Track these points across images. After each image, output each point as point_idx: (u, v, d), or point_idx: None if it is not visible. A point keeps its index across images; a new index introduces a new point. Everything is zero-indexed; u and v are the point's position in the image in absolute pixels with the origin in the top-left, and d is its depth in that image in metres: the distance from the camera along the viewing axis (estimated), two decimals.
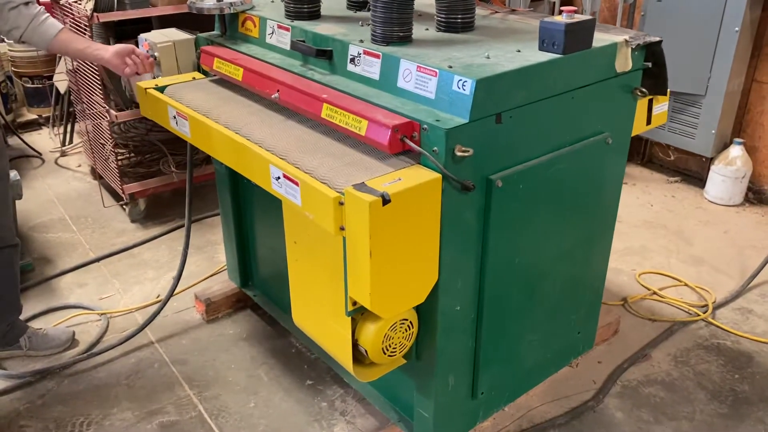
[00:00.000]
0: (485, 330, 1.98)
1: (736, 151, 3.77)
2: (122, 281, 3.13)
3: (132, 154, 3.70)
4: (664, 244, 3.47)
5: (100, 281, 3.13)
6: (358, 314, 1.81)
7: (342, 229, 1.61)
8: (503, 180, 1.77)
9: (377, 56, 1.86)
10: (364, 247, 1.55)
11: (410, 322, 1.85)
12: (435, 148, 1.63)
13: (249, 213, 2.69)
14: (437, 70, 1.70)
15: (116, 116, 3.31)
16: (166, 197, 3.84)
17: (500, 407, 2.25)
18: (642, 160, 4.37)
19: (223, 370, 2.58)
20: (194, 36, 2.47)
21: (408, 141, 1.66)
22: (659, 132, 4.02)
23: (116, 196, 3.82)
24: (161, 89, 2.30)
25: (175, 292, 2.75)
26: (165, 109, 2.21)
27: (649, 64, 2.07)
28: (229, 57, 2.21)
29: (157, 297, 3.00)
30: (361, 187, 1.56)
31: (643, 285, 3.10)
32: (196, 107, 2.14)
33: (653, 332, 2.79)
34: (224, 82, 2.32)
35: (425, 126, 1.64)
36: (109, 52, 2.29)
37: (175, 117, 2.17)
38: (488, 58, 1.78)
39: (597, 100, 1.97)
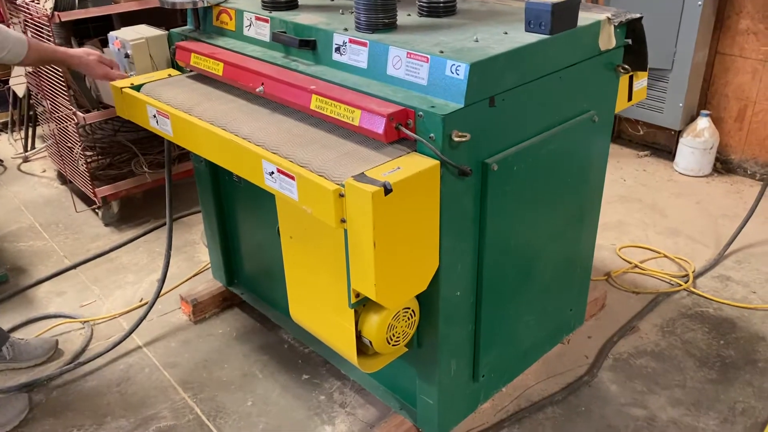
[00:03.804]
0: (484, 313, 1.99)
1: (703, 123, 3.85)
2: (102, 287, 3.06)
3: (100, 156, 3.60)
4: (641, 217, 3.54)
5: (79, 288, 3.05)
6: (360, 306, 1.79)
7: (343, 221, 1.59)
8: (498, 163, 1.77)
9: (364, 44, 1.84)
10: (368, 238, 1.54)
11: (412, 311, 1.84)
12: (431, 135, 1.62)
13: (231, 210, 2.64)
14: (428, 56, 1.68)
15: (84, 118, 3.22)
16: (139, 198, 3.76)
17: (499, 388, 2.27)
18: (611, 136, 4.43)
19: (217, 371, 2.54)
20: (167, 32, 2.40)
21: (403, 129, 1.65)
22: (628, 108, 4.07)
23: (86, 200, 3.72)
24: (137, 88, 2.23)
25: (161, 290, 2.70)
26: (143, 108, 2.15)
27: (630, 41, 2.09)
28: (207, 52, 2.16)
29: (141, 300, 2.94)
30: (361, 177, 1.54)
31: (624, 259, 3.16)
32: (177, 105, 2.09)
33: (638, 304, 2.85)
34: (202, 77, 2.27)
35: (420, 113, 1.63)
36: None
37: (155, 116, 2.12)
38: (477, 41, 1.77)
39: (583, 78, 1.98)
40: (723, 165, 4.00)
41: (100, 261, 3.24)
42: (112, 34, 2.42)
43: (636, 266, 3.10)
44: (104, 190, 3.42)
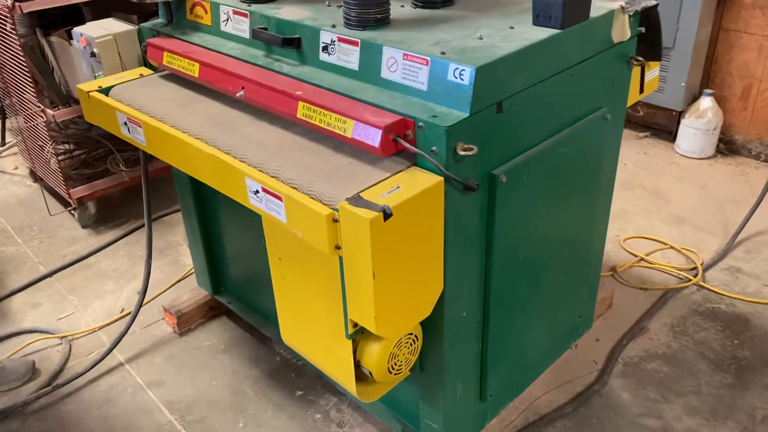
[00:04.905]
0: (492, 331, 1.84)
1: (706, 102, 3.69)
2: (80, 297, 2.88)
3: (74, 154, 3.39)
4: (644, 204, 3.39)
5: (56, 299, 2.87)
6: (359, 334, 1.64)
7: (338, 247, 1.43)
8: (506, 174, 1.60)
9: (355, 43, 1.65)
10: (366, 267, 1.38)
11: (415, 336, 1.69)
12: (434, 148, 1.45)
13: (214, 211, 2.45)
14: (428, 58, 1.50)
15: (53, 116, 3.00)
16: (117, 197, 3.55)
17: (507, 404, 2.13)
18: None
19: (205, 389, 2.38)
20: (136, 27, 2.19)
21: (402, 141, 1.48)
22: None
23: (62, 200, 3.52)
24: (106, 91, 2.04)
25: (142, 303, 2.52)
26: (113, 114, 1.96)
27: (643, 29, 1.92)
28: (181, 50, 1.96)
29: (122, 311, 2.77)
30: (356, 201, 1.38)
31: (629, 251, 3.02)
32: (149, 111, 1.89)
33: (646, 302, 2.71)
34: (177, 77, 2.07)
35: (421, 123, 1.45)
36: None
37: (126, 123, 1.93)
38: (481, 38, 1.59)
39: (595, 74, 1.81)
40: (726, 146, 3.85)
41: (78, 267, 3.06)
42: (76, 31, 2.20)
43: (642, 259, 2.96)
44: (79, 191, 3.22)
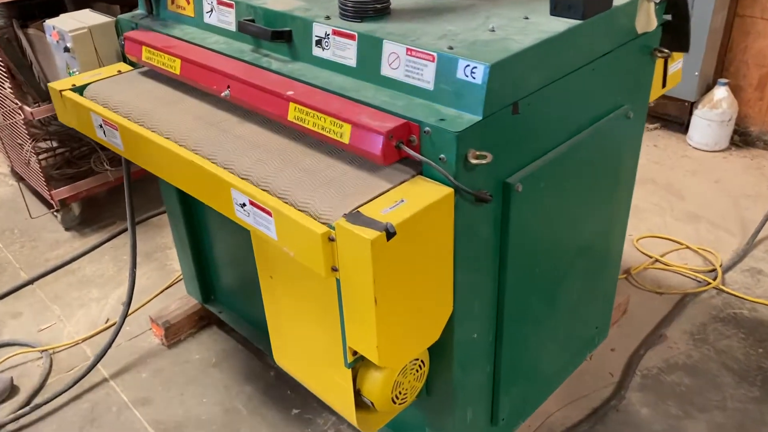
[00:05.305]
0: (505, 351, 1.68)
1: (720, 92, 3.52)
2: (63, 305, 2.72)
3: (56, 152, 3.21)
4: (656, 201, 3.23)
5: (37, 308, 2.71)
6: (359, 361, 1.48)
7: (335, 269, 1.26)
8: (522, 182, 1.44)
9: (351, 37, 1.48)
10: (367, 292, 1.22)
11: (421, 362, 1.53)
12: (442, 156, 1.28)
13: (203, 215, 2.28)
14: (434, 54, 1.33)
15: (32, 113, 2.83)
16: (102, 197, 3.38)
17: (519, 425, 1.98)
18: None
19: (195, 407, 2.23)
20: (114, 18, 2.02)
21: (406, 148, 1.31)
22: None
23: (44, 201, 3.34)
24: (80, 90, 1.86)
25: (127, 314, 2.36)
26: (88, 116, 1.78)
27: (669, 17, 1.75)
28: (161, 45, 1.79)
29: (107, 322, 2.61)
30: (355, 218, 1.21)
31: (643, 252, 2.86)
32: (127, 112, 1.72)
33: (664, 307, 2.56)
34: (157, 73, 1.90)
35: (427, 128, 1.29)
36: None
37: (101, 126, 1.75)
38: (493, 30, 1.42)
39: (617, 69, 1.64)
40: (741, 138, 3.68)
41: (61, 273, 2.89)
42: (48, 24, 2.03)
43: (657, 261, 2.80)
44: (62, 192, 3.05)
